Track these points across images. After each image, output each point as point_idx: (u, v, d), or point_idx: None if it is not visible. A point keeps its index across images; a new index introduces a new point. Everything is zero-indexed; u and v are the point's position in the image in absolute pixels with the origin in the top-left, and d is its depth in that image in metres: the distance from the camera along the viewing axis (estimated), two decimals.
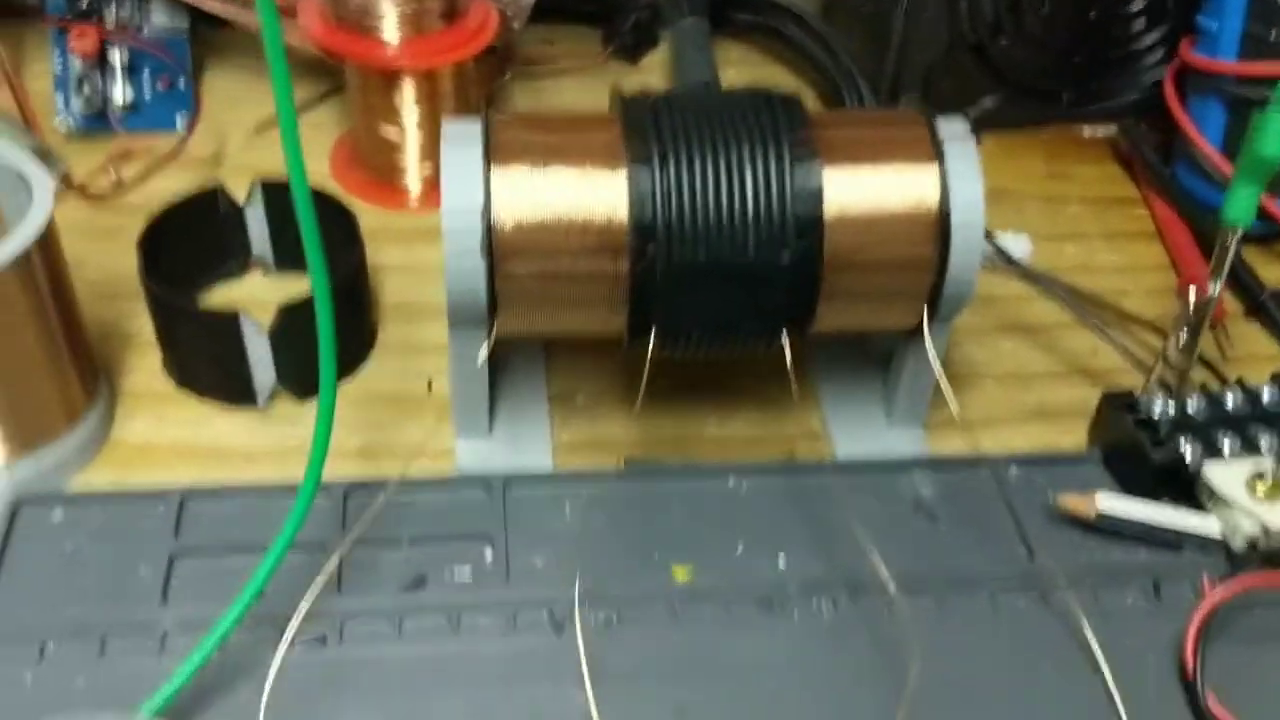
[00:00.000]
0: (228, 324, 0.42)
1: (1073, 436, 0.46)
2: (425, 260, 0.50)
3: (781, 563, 0.40)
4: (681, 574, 0.40)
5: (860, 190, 0.38)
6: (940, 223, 0.38)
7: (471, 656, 0.37)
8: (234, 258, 0.49)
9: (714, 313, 0.38)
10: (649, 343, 0.39)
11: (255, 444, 0.43)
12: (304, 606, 0.36)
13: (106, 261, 0.48)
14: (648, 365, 0.39)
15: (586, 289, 0.38)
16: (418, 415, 0.45)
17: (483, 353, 0.39)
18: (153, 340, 0.45)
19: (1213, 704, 0.36)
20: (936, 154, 0.39)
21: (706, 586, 0.39)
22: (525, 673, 0.37)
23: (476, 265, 0.38)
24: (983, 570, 0.40)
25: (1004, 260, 0.52)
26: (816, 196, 0.37)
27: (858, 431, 0.45)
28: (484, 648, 0.37)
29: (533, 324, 0.39)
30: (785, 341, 0.40)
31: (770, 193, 0.36)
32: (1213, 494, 0.41)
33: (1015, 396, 0.48)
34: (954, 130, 0.40)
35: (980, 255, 0.39)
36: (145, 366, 0.46)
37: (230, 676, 0.36)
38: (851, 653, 0.38)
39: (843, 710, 0.36)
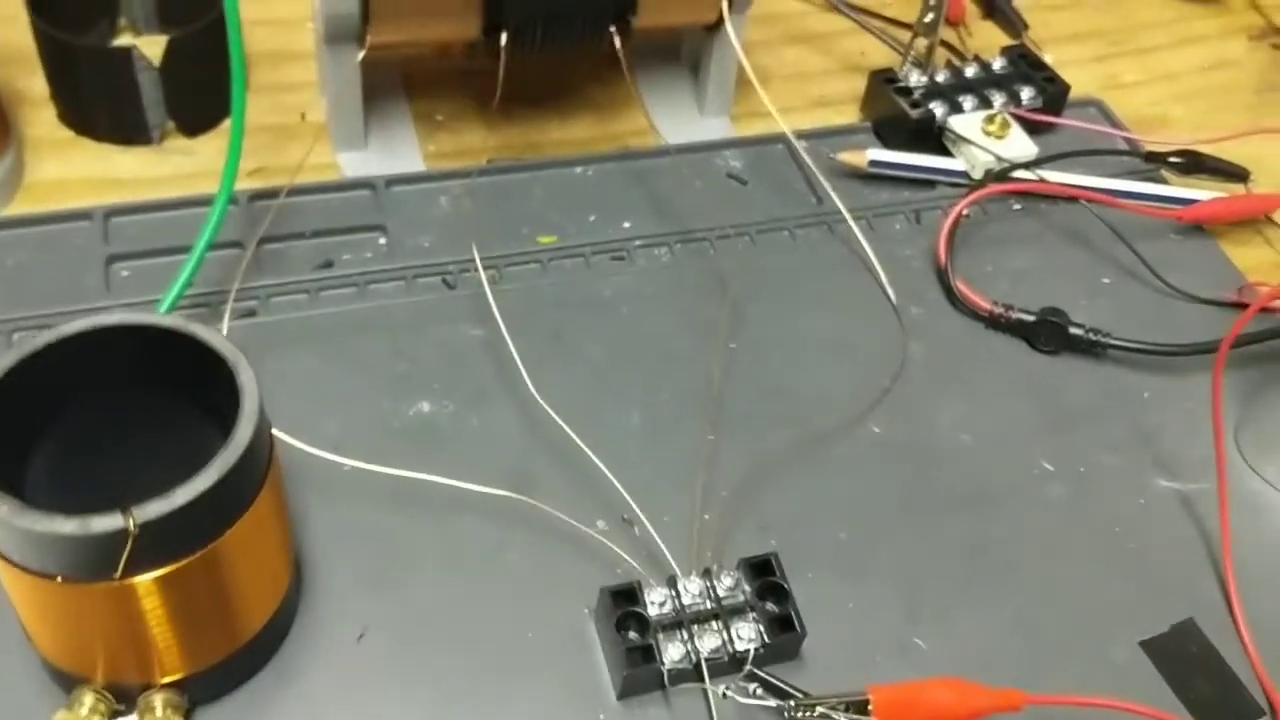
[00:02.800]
0: (120, 58, 0.47)
1: (848, 119, 0.56)
2: (282, 13, 0.55)
3: (626, 225, 0.49)
4: (547, 241, 0.48)
5: None
6: None
7: (380, 311, 0.45)
8: (104, 17, 0.53)
9: (553, 7, 0.46)
10: (500, 40, 0.46)
11: (157, 174, 0.49)
12: (236, 284, 0.43)
13: None
14: (503, 58, 0.46)
15: None
16: (298, 140, 0.51)
17: (359, 55, 0.45)
18: (46, 96, 0.50)
19: (959, 283, 0.47)
20: None
21: (568, 247, 0.48)
22: (427, 319, 0.45)
23: None
24: (783, 215, 0.50)
25: None
26: None
27: (677, 124, 0.54)
28: (389, 304, 0.45)
29: (401, 32, 0.46)
30: (616, 40, 0.48)
31: None
32: (956, 139, 0.52)
33: (800, 90, 0.57)
34: None
35: None
36: (43, 120, 0.50)
37: None
38: (686, 281, 0.47)
39: (686, 320, 0.46)
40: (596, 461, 0.39)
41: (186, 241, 0.42)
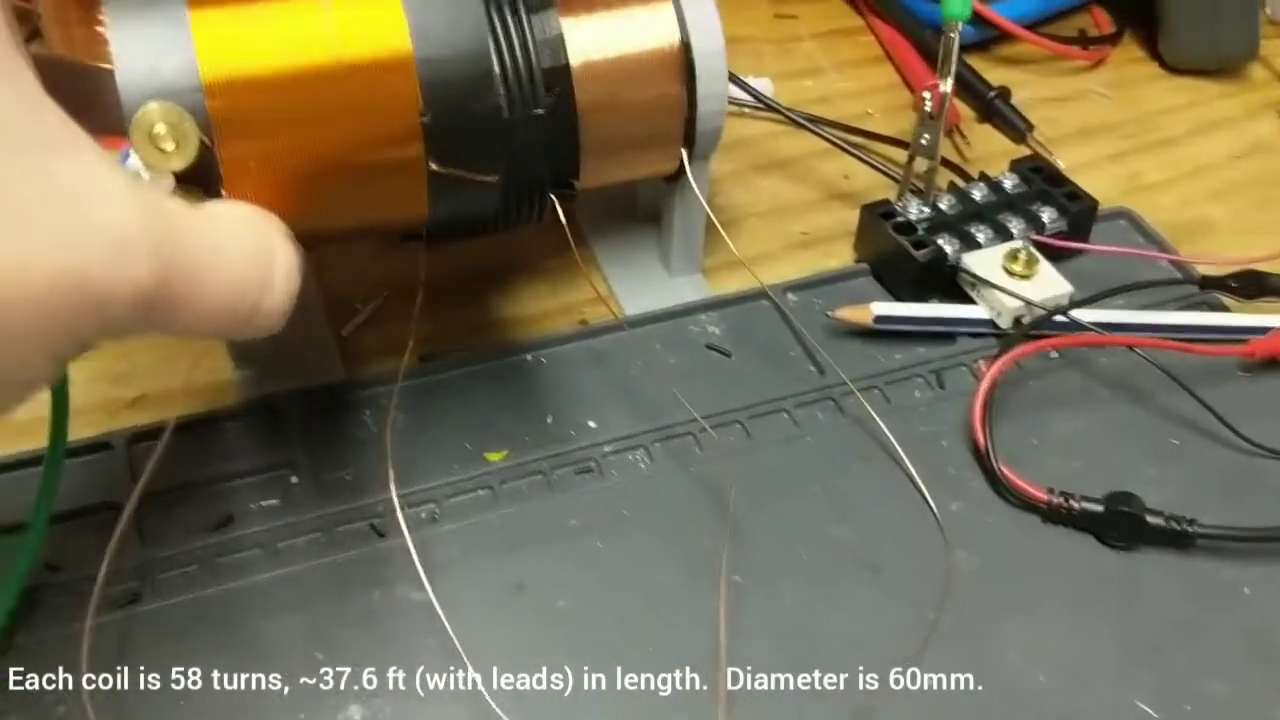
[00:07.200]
0: None
1: (839, 258, 0.48)
2: None
3: (592, 424, 0.41)
4: (496, 458, 0.39)
5: (601, 35, 0.38)
6: (683, 58, 0.39)
7: (295, 579, 0.36)
8: None
9: (475, 204, 0.37)
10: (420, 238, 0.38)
11: None
12: (103, 570, 0.34)
13: None
14: (423, 260, 0.38)
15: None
16: (187, 355, 0.42)
17: None
18: None
19: (1005, 469, 0.39)
20: None
21: (523, 463, 0.39)
22: (354, 582, 0.36)
23: None
24: (779, 393, 0.42)
25: (753, 97, 0.52)
26: (558, 45, 0.36)
27: (641, 288, 0.46)
28: (307, 568, 0.36)
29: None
30: (558, 207, 0.40)
31: (513, 47, 0.35)
32: (975, 281, 0.44)
33: (781, 228, 0.49)
34: None
35: (725, 83, 0.40)
36: None
37: (41, 659, 0.33)
38: (670, 494, 0.39)
39: (674, 547, 0.37)
40: None
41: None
